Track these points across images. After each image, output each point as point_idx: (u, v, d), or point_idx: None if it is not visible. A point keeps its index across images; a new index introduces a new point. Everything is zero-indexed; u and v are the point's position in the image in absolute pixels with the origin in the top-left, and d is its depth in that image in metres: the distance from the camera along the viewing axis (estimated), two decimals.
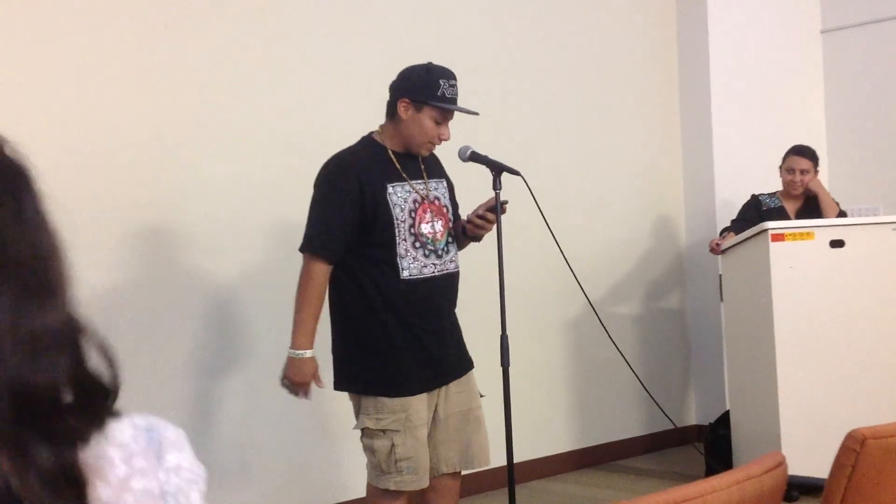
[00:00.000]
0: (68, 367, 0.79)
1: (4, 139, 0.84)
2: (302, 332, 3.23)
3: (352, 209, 3.17)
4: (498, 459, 3.61)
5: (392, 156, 3.27)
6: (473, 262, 4.04)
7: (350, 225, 3.19)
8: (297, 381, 3.26)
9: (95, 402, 0.81)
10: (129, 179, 4.07)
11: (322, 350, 3.36)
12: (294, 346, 3.25)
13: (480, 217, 3.36)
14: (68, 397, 0.78)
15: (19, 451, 0.74)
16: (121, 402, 0.87)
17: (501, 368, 3.40)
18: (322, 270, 3.22)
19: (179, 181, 4.21)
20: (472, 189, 3.70)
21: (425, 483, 3.27)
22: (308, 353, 3.24)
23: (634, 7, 6.00)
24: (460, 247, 3.46)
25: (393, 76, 3.34)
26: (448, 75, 3.24)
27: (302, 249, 3.27)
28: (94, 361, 0.82)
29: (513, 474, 3.45)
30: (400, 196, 3.24)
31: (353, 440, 3.48)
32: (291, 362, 3.26)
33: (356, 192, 3.17)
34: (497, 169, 3.39)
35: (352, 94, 4.65)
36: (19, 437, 0.74)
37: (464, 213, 3.50)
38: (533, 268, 5.26)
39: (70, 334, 0.80)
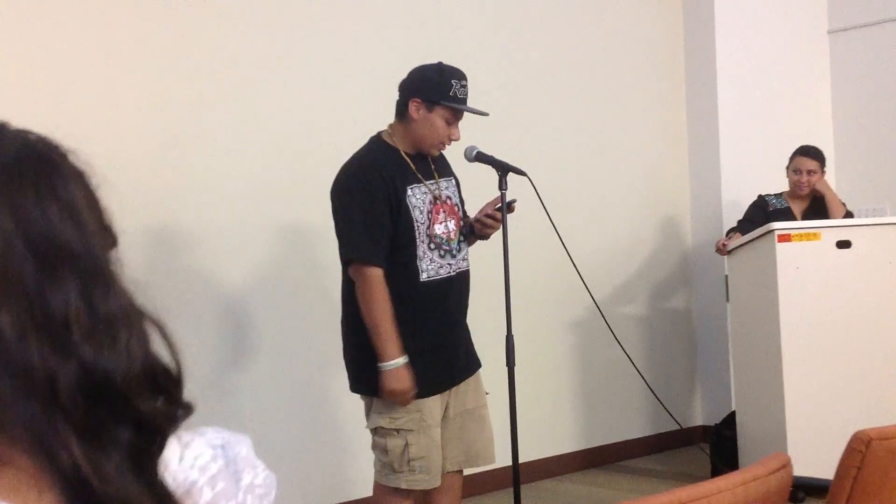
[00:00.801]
0: (141, 352, 0.80)
1: (55, 143, 0.85)
2: (389, 342, 3.13)
3: (386, 210, 3.17)
4: (503, 459, 3.61)
5: (405, 157, 3.28)
6: (479, 263, 4.03)
7: (389, 225, 3.17)
8: (400, 389, 3.15)
9: (166, 387, 0.81)
10: (136, 182, 4.07)
11: (329, 353, 3.36)
12: (385, 358, 3.13)
13: (489, 216, 3.37)
14: (142, 382, 0.79)
15: (96, 434, 0.75)
16: None
17: (507, 369, 3.40)
18: (379, 275, 3.15)
19: (186, 184, 4.22)
20: (477, 189, 3.70)
21: (437, 483, 3.26)
22: (402, 361, 3.15)
23: (641, 7, 6.00)
24: (468, 244, 3.47)
25: (400, 76, 3.34)
26: (459, 76, 3.25)
27: (351, 260, 3.19)
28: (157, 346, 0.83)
29: (518, 474, 3.45)
30: (418, 198, 3.24)
31: (359, 439, 3.49)
32: (388, 375, 3.13)
33: (385, 192, 3.17)
34: (503, 169, 3.39)
35: (360, 95, 4.65)
36: (96, 421, 0.75)
37: (470, 212, 3.50)
38: (538, 268, 5.25)
39: (137, 318, 0.81)
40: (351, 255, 3.19)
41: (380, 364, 3.14)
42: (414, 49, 4.50)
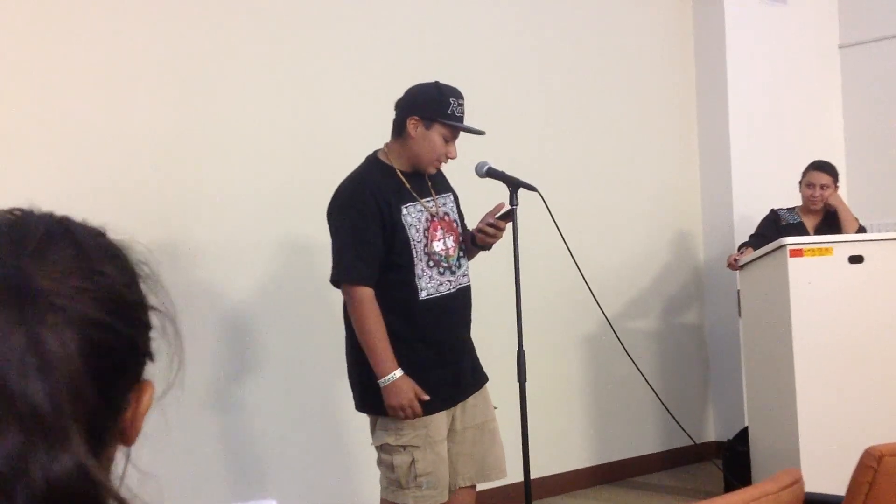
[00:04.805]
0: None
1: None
2: (382, 359, 3.15)
3: (378, 230, 3.17)
4: (515, 475, 3.60)
5: (401, 176, 3.28)
6: (490, 277, 4.04)
7: (380, 245, 3.18)
8: (401, 403, 3.15)
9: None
10: (142, 196, 4.09)
11: (335, 369, 3.36)
12: (382, 374, 3.14)
13: (490, 225, 3.36)
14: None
15: None
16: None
17: (518, 384, 3.40)
18: (369, 294, 3.17)
19: (190, 197, 4.23)
20: (487, 204, 3.70)
21: (444, 498, 3.26)
22: (398, 374, 3.15)
23: (652, 23, 6.01)
24: (470, 257, 3.46)
25: (404, 91, 3.35)
26: (456, 94, 3.26)
27: (340, 280, 3.21)
28: None
29: (529, 490, 3.44)
30: (414, 217, 3.24)
31: (365, 454, 3.48)
32: (388, 390, 3.15)
33: (377, 213, 3.18)
34: (514, 184, 3.39)
35: (365, 110, 4.65)
36: None
37: (472, 224, 3.50)
38: (549, 283, 5.25)
39: (86, 488, 0.70)
40: (339, 276, 3.21)
41: (378, 381, 3.16)
42: (423, 64, 4.51)
